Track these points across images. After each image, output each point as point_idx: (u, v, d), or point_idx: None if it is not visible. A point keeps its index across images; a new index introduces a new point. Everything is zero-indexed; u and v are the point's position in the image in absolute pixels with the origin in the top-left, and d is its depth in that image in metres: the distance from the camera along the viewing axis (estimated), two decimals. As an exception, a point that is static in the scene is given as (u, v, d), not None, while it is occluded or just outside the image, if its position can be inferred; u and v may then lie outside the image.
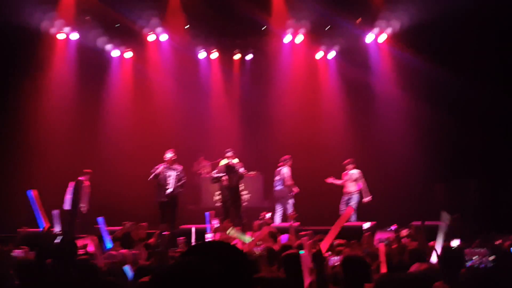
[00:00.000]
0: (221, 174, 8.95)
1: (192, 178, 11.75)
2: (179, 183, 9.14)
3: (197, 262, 1.19)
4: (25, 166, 11.02)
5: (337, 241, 5.31)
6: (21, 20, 10.39)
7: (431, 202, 11.00)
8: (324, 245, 3.22)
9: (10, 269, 4.00)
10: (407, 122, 12.00)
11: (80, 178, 10.30)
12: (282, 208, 10.13)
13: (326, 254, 4.86)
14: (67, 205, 10.16)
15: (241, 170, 9.00)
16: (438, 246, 3.76)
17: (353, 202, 10.11)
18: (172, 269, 1.19)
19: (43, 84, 11.57)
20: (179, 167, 9.23)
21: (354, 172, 10.31)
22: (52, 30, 11.41)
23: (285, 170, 10.16)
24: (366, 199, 10.13)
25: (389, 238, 6.61)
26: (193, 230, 5.69)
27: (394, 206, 10.66)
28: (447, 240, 5.35)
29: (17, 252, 4.92)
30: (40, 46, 11.40)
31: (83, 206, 10.20)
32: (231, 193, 8.98)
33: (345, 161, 10.42)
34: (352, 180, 10.29)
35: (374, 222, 8.43)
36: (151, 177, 9.01)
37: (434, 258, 3.53)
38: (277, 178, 10.30)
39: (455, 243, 5.15)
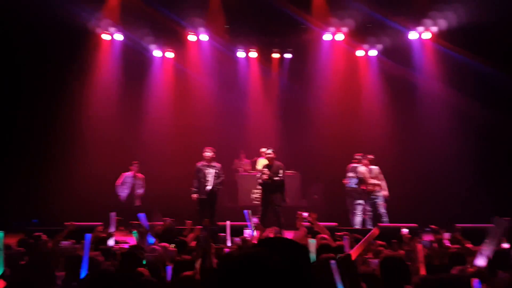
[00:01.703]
0: (265, 174, 8.75)
1: (229, 176, 11.85)
2: (218, 181, 9.24)
3: (265, 253, 1.30)
4: (69, 162, 11.41)
5: (378, 242, 5.22)
6: (68, 20, 10.71)
7: (475, 205, 10.64)
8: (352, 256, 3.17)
9: (60, 259, 4.17)
10: (452, 122, 11.64)
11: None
12: (353, 208, 9.80)
13: (366, 256, 4.79)
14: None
15: (281, 171, 8.80)
16: (489, 249, 3.57)
17: (380, 201, 9.49)
18: (241, 256, 1.29)
19: (88, 83, 11.96)
20: (217, 165, 9.33)
21: (371, 168, 9.72)
22: (98, 30, 11.80)
23: (362, 169, 9.77)
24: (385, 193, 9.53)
25: (431, 240, 6.43)
26: (228, 224, 5.72)
27: (437, 208, 10.39)
28: (498, 243, 5.16)
29: (64, 244, 5.09)
30: (86, 45, 11.77)
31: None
32: (274, 192, 8.79)
33: (358, 154, 9.89)
34: (374, 176, 9.66)
35: (415, 225, 8.20)
36: None
37: (481, 262, 3.38)
38: (349, 175, 9.97)
39: (506, 246, 4.96)
